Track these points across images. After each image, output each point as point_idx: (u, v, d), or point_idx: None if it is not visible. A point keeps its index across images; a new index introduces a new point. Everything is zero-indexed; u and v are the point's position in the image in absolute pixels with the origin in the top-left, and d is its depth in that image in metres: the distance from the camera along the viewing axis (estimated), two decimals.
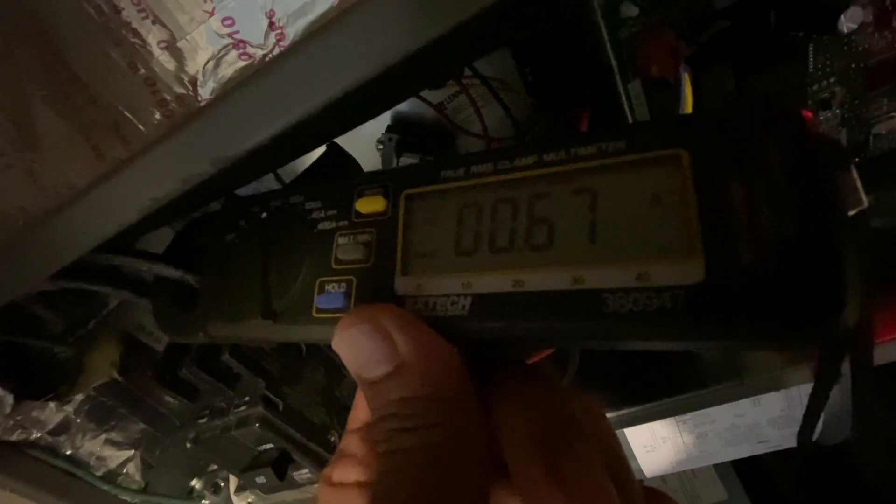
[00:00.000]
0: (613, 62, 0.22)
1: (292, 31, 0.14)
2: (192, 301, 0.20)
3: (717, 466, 0.63)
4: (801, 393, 0.43)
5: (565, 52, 0.38)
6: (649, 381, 0.31)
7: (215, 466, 0.37)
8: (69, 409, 0.32)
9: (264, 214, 0.18)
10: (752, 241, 0.11)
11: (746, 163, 0.11)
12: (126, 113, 0.18)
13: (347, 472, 0.14)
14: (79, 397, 0.33)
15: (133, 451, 0.35)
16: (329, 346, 0.15)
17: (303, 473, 0.25)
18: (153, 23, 0.15)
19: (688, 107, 0.19)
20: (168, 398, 0.36)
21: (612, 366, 0.31)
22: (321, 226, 0.17)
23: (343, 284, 0.16)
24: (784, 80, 0.21)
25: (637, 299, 0.11)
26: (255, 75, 0.14)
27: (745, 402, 0.46)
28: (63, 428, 0.32)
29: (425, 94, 0.46)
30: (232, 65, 0.15)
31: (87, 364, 0.33)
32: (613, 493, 0.11)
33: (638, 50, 0.20)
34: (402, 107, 0.46)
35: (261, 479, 0.23)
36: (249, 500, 0.35)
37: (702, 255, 0.11)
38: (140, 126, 0.16)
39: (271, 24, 0.14)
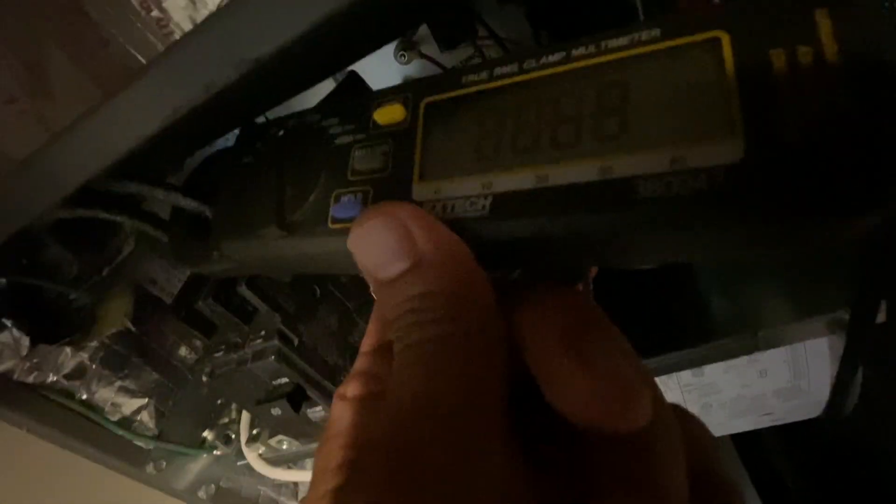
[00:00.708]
0: (639, 4, 0.22)
1: None
2: (207, 233, 0.20)
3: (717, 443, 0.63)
4: (807, 363, 0.43)
5: (582, 11, 0.37)
6: (655, 335, 0.31)
7: (227, 419, 0.38)
8: (84, 355, 0.33)
9: (281, 133, 0.18)
10: (798, 117, 0.10)
11: (792, 35, 0.10)
12: (138, 55, 0.18)
13: (360, 386, 0.14)
14: (93, 344, 0.33)
15: (147, 400, 0.35)
16: (348, 290, 0.15)
17: (317, 411, 0.25)
18: None
19: None
20: (180, 350, 0.36)
21: (619, 320, 0.31)
22: (338, 140, 0.16)
23: (359, 194, 0.15)
24: None
25: (671, 183, 0.11)
26: None
27: (751, 372, 0.46)
28: (78, 373, 0.33)
29: (438, 56, 0.45)
30: None
31: (101, 312, 0.33)
32: (636, 375, 0.11)
33: None
34: (413, 71, 0.46)
35: (276, 411, 0.23)
36: (260, 451, 0.36)
37: (741, 131, 0.10)
38: None
39: None
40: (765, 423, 0.51)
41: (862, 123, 0.09)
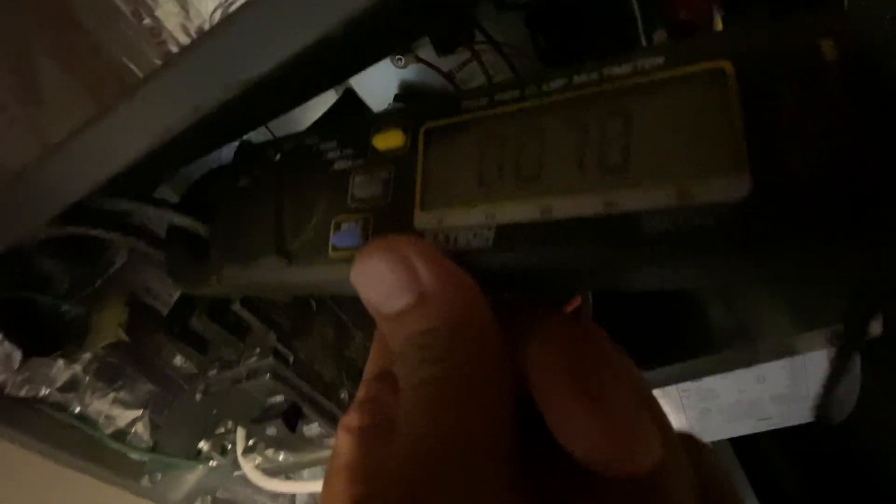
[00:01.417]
0: (637, 13, 0.21)
1: None
2: (204, 253, 0.19)
3: (715, 446, 0.64)
4: (805, 369, 0.43)
5: (580, 17, 0.37)
6: (655, 347, 0.31)
7: (223, 429, 0.37)
8: (77, 367, 0.33)
9: (278, 156, 0.18)
10: (804, 150, 0.10)
11: (798, 68, 0.10)
12: (130, 65, 0.18)
13: (365, 416, 0.14)
14: (87, 356, 0.33)
15: (141, 411, 0.35)
16: (343, 302, 0.15)
17: (312, 428, 0.25)
18: None
19: None
20: (176, 360, 0.36)
21: (620, 333, 0.31)
22: (337, 165, 0.16)
23: (360, 222, 0.15)
24: (824, 25, 0.20)
25: (677, 219, 0.11)
26: None
27: (748, 378, 0.46)
28: (72, 385, 0.32)
29: (435, 60, 0.45)
30: None
31: (95, 323, 0.33)
32: (645, 414, 0.11)
33: None
34: (410, 76, 0.45)
35: (271, 431, 0.23)
36: (257, 461, 0.36)
37: (747, 167, 0.10)
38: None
39: None
40: (762, 427, 0.51)
41: (868, 158, 0.09)
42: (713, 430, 0.54)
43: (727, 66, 0.11)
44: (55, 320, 0.30)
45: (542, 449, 0.12)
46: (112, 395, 0.34)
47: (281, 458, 0.34)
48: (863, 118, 0.10)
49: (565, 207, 0.12)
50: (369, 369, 0.15)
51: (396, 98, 0.43)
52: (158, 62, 0.16)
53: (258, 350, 0.23)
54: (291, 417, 0.23)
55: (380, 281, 0.12)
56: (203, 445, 0.37)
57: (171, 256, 0.21)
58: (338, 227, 0.15)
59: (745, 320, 0.29)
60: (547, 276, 0.13)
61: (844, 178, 0.09)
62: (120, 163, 0.15)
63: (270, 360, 0.22)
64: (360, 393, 0.15)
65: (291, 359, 0.23)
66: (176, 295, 0.33)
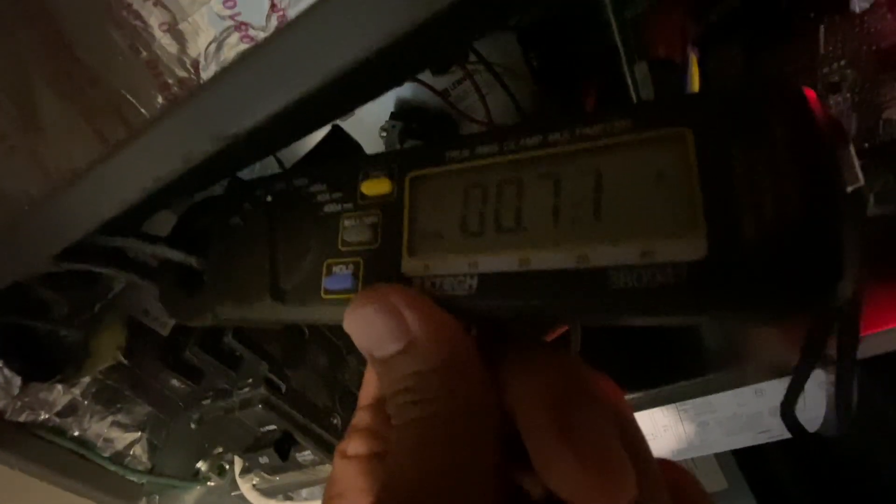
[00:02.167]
0: (619, 43, 0.22)
1: (294, 13, 0.14)
2: (198, 284, 0.20)
3: (717, 455, 0.63)
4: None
5: (571, 37, 0.38)
6: (650, 367, 0.31)
7: (221, 449, 0.37)
8: (76, 391, 0.33)
9: (269, 198, 0.18)
10: (754, 217, 0.11)
11: (749, 140, 0.11)
12: (128, 96, 0.18)
13: (361, 444, 0.15)
14: (85, 380, 0.33)
15: (139, 434, 0.35)
16: (336, 328, 0.15)
17: (305, 455, 0.25)
18: (155, 5, 0.15)
19: (694, 88, 0.18)
20: (174, 381, 0.36)
21: (614, 352, 0.31)
22: (327, 208, 0.17)
23: (350, 266, 0.16)
24: (794, 62, 0.20)
25: (641, 276, 0.12)
26: (256, 51, 0.14)
27: (747, 392, 0.46)
28: (70, 410, 0.33)
29: (429, 80, 0.45)
30: (234, 47, 0.14)
31: (94, 347, 0.33)
32: (623, 453, 0.11)
33: (645, 30, 0.20)
34: (406, 93, 0.46)
35: (264, 460, 0.23)
36: (254, 481, 0.36)
37: (704, 231, 0.11)
38: (142, 109, 0.16)
39: (273, 6, 0.14)
40: (762, 439, 0.51)
41: (808, 225, 0.10)
42: (712, 443, 0.53)
43: (687, 133, 0.12)
44: (54, 345, 0.31)
45: (526, 472, 0.13)
46: (110, 417, 0.34)
47: (278, 478, 0.34)
48: (805, 190, 0.10)
49: (542, 260, 0.13)
50: (364, 395, 0.16)
51: (392, 116, 0.44)
52: (156, 93, 0.17)
53: (250, 380, 0.23)
54: (284, 446, 0.24)
55: (371, 328, 0.13)
56: (201, 466, 0.38)
57: (165, 289, 0.21)
58: (329, 270, 0.16)
59: (737, 341, 0.29)
60: (527, 320, 0.14)
61: (787, 244, 0.10)
62: (113, 209, 0.16)
63: (262, 390, 0.22)
64: (356, 420, 0.16)
65: (283, 388, 0.23)
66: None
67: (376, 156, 0.17)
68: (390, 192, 0.16)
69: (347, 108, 0.22)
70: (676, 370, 0.30)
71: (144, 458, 0.35)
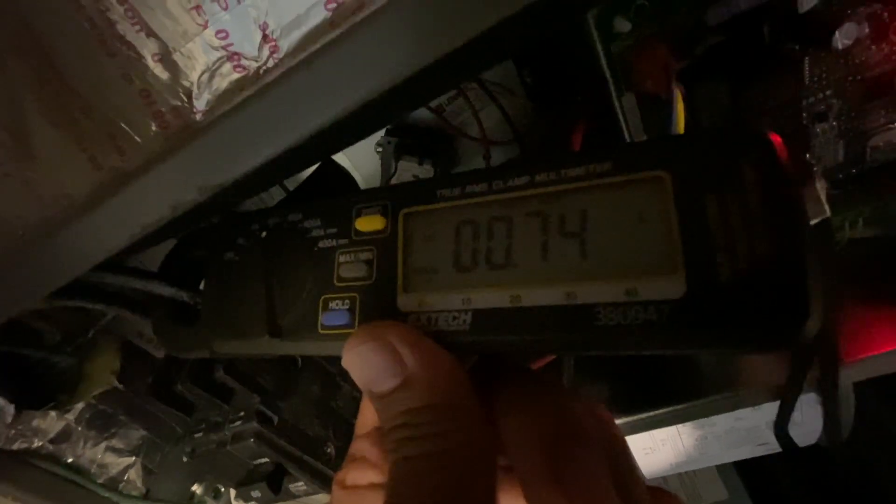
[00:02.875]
0: (608, 76, 0.22)
1: (286, 44, 0.14)
2: (191, 316, 0.20)
3: (718, 466, 0.63)
4: (800, 399, 0.43)
5: (565, 56, 0.38)
6: (647, 391, 0.31)
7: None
8: (70, 417, 0.33)
9: (263, 233, 0.19)
10: (728, 258, 0.11)
11: (722, 183, 0.12)
12: (122, 124, 0.18)
13: (360, 475, 0.15)
14: (79, 406, 0.33)
15: (134, 458, 0.35)
16: (329, 357, 0.15)
17: (299, 485, 0.25)
18: (147, 35, 0.15)
19: (680, 122, 0.18)
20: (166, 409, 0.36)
21: (610, 376, 0.31)
22: (322, 244, 0.17)
23: (347, 301, 0.16)
24: (780, 94, 0.21)
25: (626, 313, 0.12)
26: (249, 98, 0.14)
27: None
28: (64, 436, 0.32)
29: None
30: (227, 77, 0.15)
31: (87, 372, 0.33)
32: (613, 495, 0.12)
33: (630, 65, 0.20)
34: None
35: (256, 493, 0.23)
36: None
37: (683, 271, 0.12)
38: (136, 137, 0.16)
39: (265, 37, 0.14)
40: (760, 452, 0.51)
41: (775, 267, 0.11)
42: (711, 457, 0.53)
43: (665, 176, 0.12)
44: (47, 372, 0.31)
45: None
46: (104, 443, 0.34)
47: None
48: (770, 233, 0.11)
49: (532, 297, 0.13)
50: (361, 424, 0.16)
51: (388, 132, 0.44)
52: (149, 122, 0.17)
53: (242, 413, 0.23)
54: (276, 479, 0.23)
55: (368, 366, 0.14)
56: (196, 490, 0.37)
57: (159, 323, 0.21)
58: (326, 305, 0.16)
59: (728, 367, 0.29)
60: (519, 353, 0.15)
61: (756, 285, 0.11)
62: (99, 257, 0.16)
63: (254, 424, 0.22)
64: (353, 449, 0.16)
65: (276, 420, 0.23)
66: None
67: (369, 192, 0.17)
68: (384, 228, 0.16)
69: (345, 144, 0.23)
70: (673, 394, 0.30)
71: (139, 483, 0.35)
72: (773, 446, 0.50)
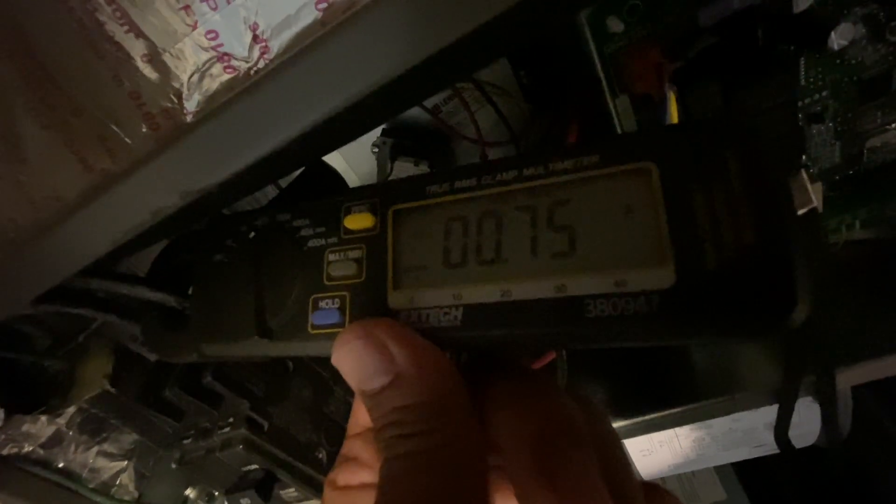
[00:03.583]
0: (601, 77, 0.22)
1: (276, 44, 0.14)
2: (180, 320, 0.20)
3: (716, 467, 0.63)
4: (798, 400, 0.43)
5: (562, 57, 0.38)
6: (644, 394, 0.31)
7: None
8: (61, 421, 0.33)
9: (252, 234, 0.18)
10: (715, 247, 0.11)
11: (708, 174, 0.12)
12: (112, 126, 0.18)
13: (351, 475, 0.15)
14: (71, 410, 0.33)
15: (126, 462, 0.35)
16: (321, 359, 0.15)
17: (290, 492, 0.25)
18: (136, 37, 0.15)
19: (673, 122, 0.18)
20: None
21: (607, 379, 0.31)
22: (311, 243, 0.17)
23: (337, 300, 0.16)
24: (774, 95, 0.20)
25: (616, 304, 0.12)
26: (239, 100, 0.14)
27: None
28: (55, 441, 0.32)
29: None
30: (217, 77, 0.15)
31: (79, 376, 0.33)
32: (605, 494, 0.12)
33: (624, 66, 0.20)
34: None
35: (245, 501, 0.23)
36: None
37: (672, 261, 0.12)
38: (126, 138, 0.16)
39: (255, 38, 0.14)
40: (758, 453, 0.50)
41: (762, 256, 0.11)
42: (708, 458, 0.53)
43: (652, 167, 0.12)
44: (37, 376, 0.30)
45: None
46: (96, 447, 0.34)
47: None
48: (756, 221, 0.11)
49: (522, 290, 0.13)
50: (353, 424, 0.16)
51: (384, 132, 0.44)
52: (140, 123, 0.17)
53: (231, 419, 0.23)
54: (265, 487, 0.23)
55: (358, 363, 0.14)
56: (189, 493, 0.37)
57: (148, 328, 0.21)
58: (316, 305, 0.16)
59: (724, 370, 0.29)
60: (511, 348, 0.15)
61: (744, 274, 0.11)
62: (85, 260, 0.16)
63: (243, 430, 0.22)
64: (345, 449, 0.16)
65: (266, 426, 0.23)
66: None
67: (358, 190, 0.17)
68: (373, 226, 0.16)
69: (335, 146, 0.22)
70: (670, 397, 0.30)
71: (131, 488, 0.35)
72: (771, 447, 0.50)
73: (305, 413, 0.25)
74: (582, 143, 0.14)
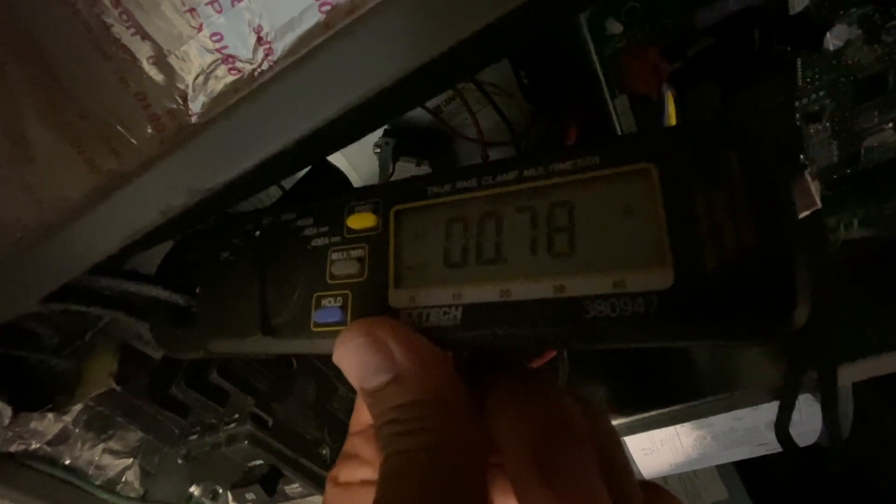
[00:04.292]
0: (601, 77, 0.22)
1: (280, 46, 0.14)
2: (188, 318, 0.20)
3: (718, 465, 0.63)
4: (798, 398, 0.43)
5: (562, 57, 0.38)
6: (648, 391, 0.31)
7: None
8: (67, 419, 0.33)
9: (257, 233, 0.19)
10: (715, 249, 0.11)
11: (709, 175, 0.12)
12: (118, 127, 0.18)
13: (353, 471, 0.15)
14: (77, 407, 0.33)
15: (132, 460, 0.35)
16: (325, 357, 0.15)
17: (294, 487, 0.25)
18: (143, 39, 0.15)
19: (671, 123, 0.18)
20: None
21: (607, 377, 0.31)
22: (314, 242, 0.17)
23: (339, 299, 0.16)
24: (772, 95, 0.21)
25: (614, 305, 0.12)
26: (245, 98, 0.14)
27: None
28: (62, 438, 0.33)
29: None
30: (222, 79, 0.15)
31: (85, 374, 0.33)
32: (604, 493, 0.12)
33: (623, 67, 0.20)
34: None
35: (250, 496, 0.23)
36: None
37: (671, 262, 0.12)
38: (132, 140, 0.16)
39: (259, 39, 0.14)
40: (759, 452, 0.50)
41: (763, 257, 0.11)
42: (710, 457, 0.53)
43: (652, 168, 0.12)
44: (45, 374, 0.31)
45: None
46: (102, 444, 0.34)
47: None
48: (757, 223, 0.11)
49: (521, 291, 0.14)
50: (355, 422, 0.16)
51: (386, 133, 0.44)
52: (145, 124, 0.17)
53: (237, 415, 0.23)
54: (270, 481, 0.24)
55: (359, 362, 0.14)
56: (194, 490, 0.37)
57: (156, 325, 0.21)
58: (319, 303, 0.16)
59: (730, 367, 0.29)
60: (510, 348, 0.15)
61: (744, 275, 0.11)
62: (94, 258, 0.16)
63: (248, 426, 0.22)
64: (347, 446, 0.16)
65: (271, 422, 0.23)
66: None
67: (361, 190, 0.17)
68: (375, 225, 0.16)
69: (341, 145, 0.23)
70: (670, 395, 0.30)
71: (136, 485, 0.35)
72: (772, 446, 0.50)
73: (309, 410, 0.25)
74: (582, 144, 0.14)
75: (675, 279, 0.12)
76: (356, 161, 0.44)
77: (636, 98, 0.21)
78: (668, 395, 0.30)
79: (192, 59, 0.15)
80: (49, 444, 0.32)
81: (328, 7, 0.13)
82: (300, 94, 0.14)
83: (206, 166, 0.14)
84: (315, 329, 0.16)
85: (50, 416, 0.32)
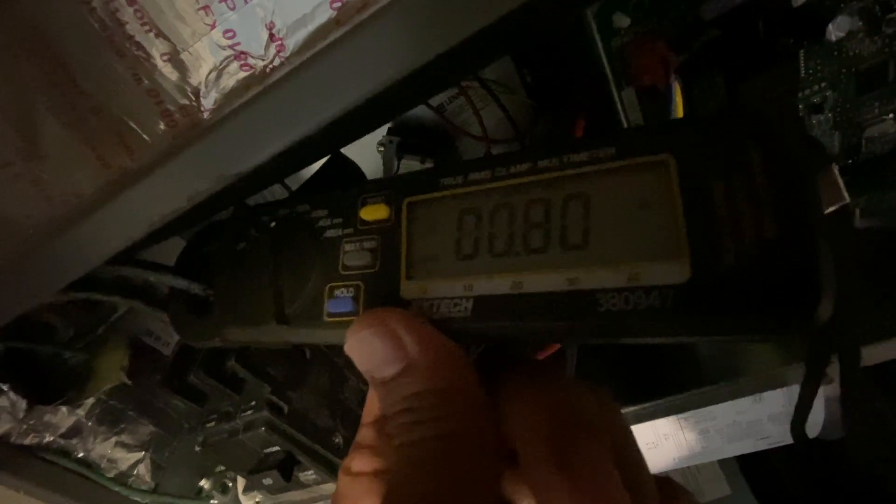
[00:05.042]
0: (607, 70, 0.22)
1: (292, 42, 0.14)
2: (206, 307, 0.20)
3: (720, 462, 0.63)
4: (793, 393, 0.43)
5: (564, 54, 0.38)
6: (650, 380, 0.32)
7: (223, 467, 0.38)
8: (80, 412, 0.33)
9: (273, 224, 0.19)
10: (735, 242, 0.11)
11: (729, 166, 0.11)
12: (131, 123, 0.19)
13: (365, 462, 0.15)
14: (90, 401, 0.34)
15: (143, 453, 0.36)
16: (336, 348, 0.16)
17: (308, 474, 0.26)
18: (156, 35, 0.15)
19: (679, 115, 0.19)
20: (176, 401, 0.37)
21: (613, 365, 0.31)
22: (328, 233, 0.17)
23: (351, 289, 0.16)
24: (775, 86, 0.21)
25: (628, 298, 0.12)
26: (259, 93, 0.14)
27: (746, 399, 0.46)
28: (75, 431, 0.33)
29: None
30: (234, 76, 0.15)
31: (97, 368, 0.34)
32: (619, 484, 0.12)
33: (630, 59, 0.21)
34: None
35: (267, 481, 0.24)
36: (257, 499, 0.36)
37: (688, 255, 0.11)
38: (145, 136, 0.17)
39: (271, 36, 0.14)
40: (762, 446, 0.51)
41: (785, 251, 0.11)
42: (713, 451, 0.53)
43: (670, 159, 0.12)
44: (58, 368, 0.31)
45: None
46: (114, 438, 0.34)
47: (281, 497, 0.34)
48: (780, 215, 0.11)
49: (533, 283, 0.13)
50: (368, 412, 0.16)
51: (390, 131, 0.44)
52: (158, 120, 0.18)
53: (253, 403, 0.23)
54: (287, 467, 0.24)
55: (371, 352, 0.14)
56: (204, 484, 0.38)
57: (175, 314, 0.22)
58: (331, 293, 0.17)
59: (734, 355, 0.29)
60: (521, 340, 0.15)
61: (765, 269, 0.11)
62: (119, 245, 0.16)
63: (265, 413, 0.23)
64: (359, 437, 0.16)
65: (286, 409, 0.24)
66: (177, 337, 0.34)
67: (374, 182, 0.17)
68: (388, 217, 0.16)
69: (352, 139, 0.23)
70: (675, 382, 0.30)
71: (148, 478, 0.36)
72: (775, 440, 0.50)
73: (323, 399, 0.25)
74: (597, 135, 0.13)
75: (692, 272, 0.11)
76: (360, 159, 0.45)
77: (643, 90, 0.21)
78: (672, 384, 0.31)
79: (205, 56, 0.15)
80: (62, 436, 0.32)
81: (339, 4, 0.13)
82: (311, 91, 0.14)
83: (227, 158, 0.14)
84: (328, 319, 0.16)
85: (63, 409, 0.32)
